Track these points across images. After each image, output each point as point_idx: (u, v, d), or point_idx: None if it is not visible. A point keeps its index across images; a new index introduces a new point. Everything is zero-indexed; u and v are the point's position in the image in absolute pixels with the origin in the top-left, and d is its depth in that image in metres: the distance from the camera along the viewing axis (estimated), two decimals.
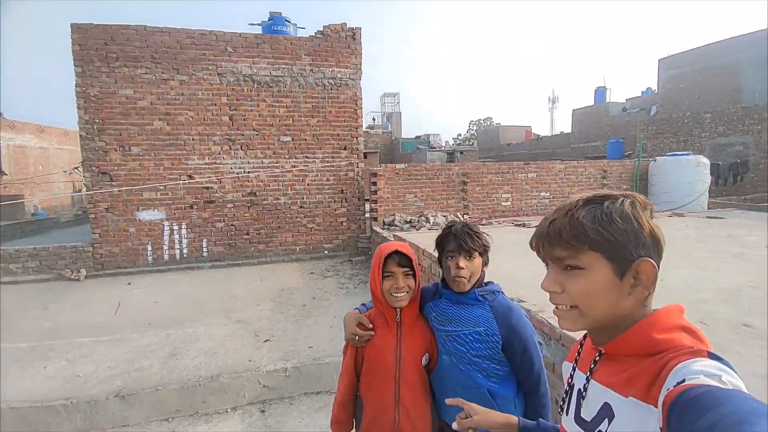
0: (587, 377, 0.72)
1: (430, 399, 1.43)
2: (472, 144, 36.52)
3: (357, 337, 1.36)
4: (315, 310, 4.95)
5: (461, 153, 21.74)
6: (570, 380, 0.80)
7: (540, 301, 2.80)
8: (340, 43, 7.86)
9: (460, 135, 57.38)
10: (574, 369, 0.80)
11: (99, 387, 3.21)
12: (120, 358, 3.73)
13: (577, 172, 9.35)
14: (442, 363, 1.40)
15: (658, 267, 0.66)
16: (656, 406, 0.55)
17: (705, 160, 8.99)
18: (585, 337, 0.80)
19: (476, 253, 1.34)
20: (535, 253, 0.77)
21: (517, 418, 0.98)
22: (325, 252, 8.04)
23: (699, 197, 8.67)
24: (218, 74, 7.30)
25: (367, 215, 8.22)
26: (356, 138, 8.25)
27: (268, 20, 8.02)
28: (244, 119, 7.51)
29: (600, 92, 25.72)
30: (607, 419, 0.65)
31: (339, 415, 1.43)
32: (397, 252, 1.33)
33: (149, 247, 7.25)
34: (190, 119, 7.26)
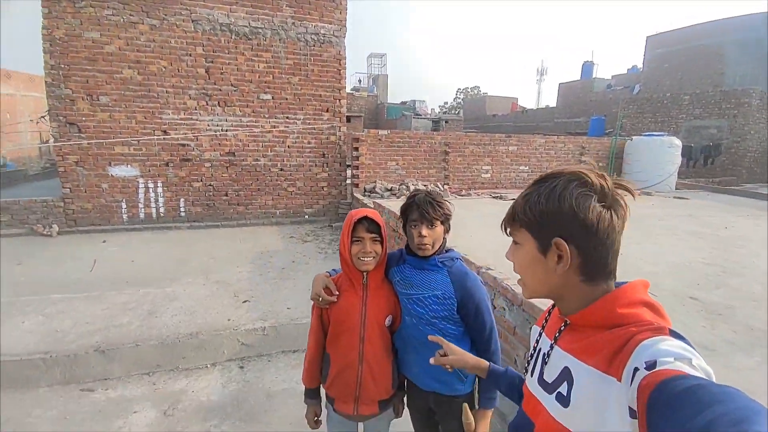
0: (551, 344, 0.76)
1: (392, 357, 1.54)
2: (458, 113, 36.16)
3: (320, 299, 1.43)
4: (294, 273, 5.04)
5: (446, 122, 21.56)
6: (536, 344, 0.85)
7: (505, 269, 2.96)
8: None
9: (446, 103, 56.56)
10: (540, 334, 0.84)
11: (78, 342, 3.24)
12: (98, 314, 3.73)
13: (556, 147, 9.50)
14: (404, 324, 1.50)
15: (587, 248, 0.68)
16: (619, 380, 0.57)
17: (677, 142, 9.28)
18: (554, 305, 0.83)
19: (438, 222, 1.41)
20: None
21: (487, 362, 1.11)
22: (306, 217, 8.04)
23: (668, 178, 9.03)
24: (192, 20, 6.85)
25: (348, 181, 8.19)
26: (339, 100, 8.04)
27: None
28: (222, 73, 7.16)
29: (587, 67, 25.64)
30: (566, 382, 0.69)
31: (308, 369, 1.55)
32: (366, 218, 1.38)
33: (123, 205, 7.05)
34: (163, 69, 6.86)
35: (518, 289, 2.58)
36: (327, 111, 7.93)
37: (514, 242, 0.78)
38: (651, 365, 0.53)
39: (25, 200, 6.75)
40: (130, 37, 6.64)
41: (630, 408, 0.54)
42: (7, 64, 15.95)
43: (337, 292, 1.44)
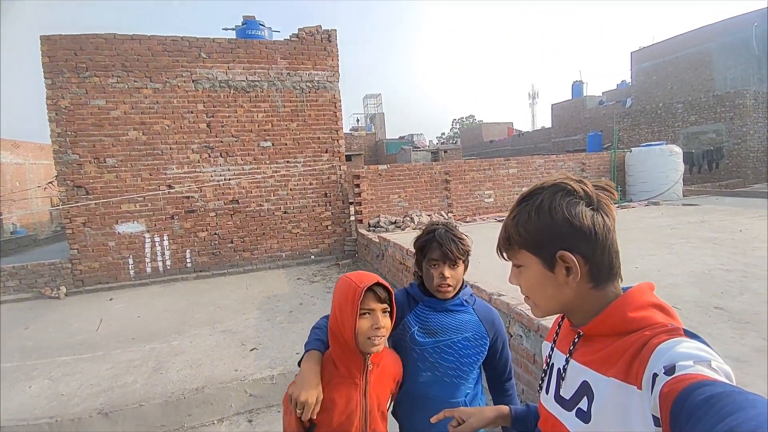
0: (567, 358, 0.73)
1: None
2: (456, 142, 36.83)
3: (301, 410, 1.04)
4: (302, 315, 4.92)
5: (445, 152, 21.90)
6: (548, 359, 0.81)
7: (518, 294, 2.84)
8: (316, 46, 7.84)
9: (443, 134, 57.84)
10: (552, 349, 0.81)
11: (83, 405, 3.14)
12: (103, 374, 3.65)
13: (556, 166, 9.52)
14: (418, 384, 1.29)
15: (592, 255, 0.66)
16: (639, 388, 0.55)
17: (677, 149, 9.25)
18: (563, 317, 0.81)
19: (460, 261, 1.29)
20: None
21: (507, 407, 0.98)
22: (312, 257, 8.00)
23: (674, 185, 8.92)
24: (193, 81, 7.20)
25: (352, 218, 8.21)
26: (337, 140, 8.24)
27: (242, 24, 7.94)
28: (222, 126, 7.43)
29: (577, 87, 26.21)
30: (586, 397, 0.66)
31: None
32: (378, 284, 1.09)
33: (130, 261, 7.10)
34: (167, 128, 7.14)
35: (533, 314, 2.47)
36: (326, 152, 8.11)
37: (516, 265, 0.76)
38: (670, 370, 0.51)
39: (33, 264, 6.83)
40: (135, 101, 6.98)
41: (654, 416, 0.52)
42: (15, 135, 16.81)
43: (314, 416, 1.05)
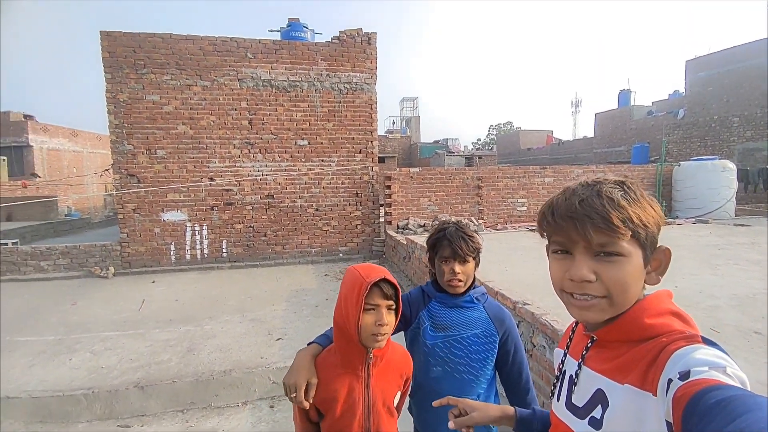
0: (579, 363, 0.71)
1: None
2: (492, 149, 36.16)
3: (294, 396, 1.05)
4: (327, 310, 5.05)
5: (480, 158, 21.58)
6: (561, 366, 0.79)
7: (545, 304, 2.81)
8: (356, 48, 8.01)
9: (479, 140, 56.94)
10: (565, 355, 0.79)
11: (120, 378, 3.39)
12: (142, 351, 3.92)
13: (596, 177, 9.15)
14: (429, 379, 1.33)
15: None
16: (654, 394, 0.54)
17: (731, 165, 8.64)
18: (577, 323, 0.79)
19: (470, 258, 1.33)
20: (545, 240, 0.72)
21: (512, 408, 0.96)
22: (340, 255, 8.15)
23: (725, 204, 8.34)
24: (238, 79, 7.57)
25: (382, 219, 8.30)
26: (371, 142, 8.36)
27: (287, 26, 8.25)
28: (263, 123, 7.74)
29: (624, 95, 25.04)
30: (600, 405, 0.64)
31: None
32: (385, 280, 1.07)
33: (172, 247, 7.55)
34: (212, 123, 7.55)
35: (558, 325, 2.42)
36: (360, 152, 8.25)
37: (608, 253, 0.64)
38: (684, 375, 0.50)
39: (85, 245, 7.42)
40: (186, 98, 7.43)
41: (667, 422, 0.51)
42: (74, 124, 18.36)
43: (308, 403, 1.06)
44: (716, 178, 8.44)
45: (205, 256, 7.68)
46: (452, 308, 1.35)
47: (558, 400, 0.76)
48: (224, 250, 7.75)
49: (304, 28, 8.28)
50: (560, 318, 2.54)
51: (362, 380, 1.11)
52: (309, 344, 1.19)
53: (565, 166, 9.69)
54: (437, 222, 7.59)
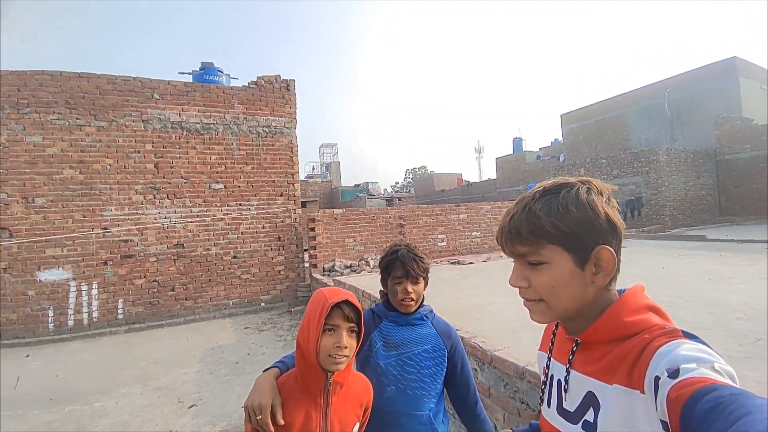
0: (567, 368, 0.70)
1: None
2: (409, 191, 38.13)
3: (258, 417, 1.01)
4: (249, 366, 4.56)
5: (399, 199, 22.54)
6: (546, 371, 0.79)
7: (473, 328, 2.90)
8: (274, 94, 8.05)
9: (397, 183, 59.84)
10: (549, 359, 0.78)
11: None
12: None
13: (502, 212, 10.12)
14: (383, 399, 1.32)
15: (618, 252, 0.67)
16: (642, 392, 0.55)
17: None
18: (557, 325, 0.79)
19: (421, 278, 1.40)
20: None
21: (510, 430, 0.94)
22: (262, 304, 7.58)
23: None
24: (143, 121, 7.00)
25: (306, 263, 8.01)
26: (293, 185, 8.23)
27: (200, 70, 8.01)
28: (171, 167, 7.17)
29: (517, 142, 28.79)
30: (592, 408, 0.63)
31: None
32: (347, 302, 1.07)
33: (50, 312, 6.28)
34: (108, 167, 6.75)
35: (487, 346, 2.50)
36: (281, 195, 8.04)
37: (533, 263, 0.67)
38: (674, 373, 0.50)
39: None
40: (75, 139, 6.59)
41: (662, 421, 0.50)
42: None
43: (282, 422, 1.02)
44: None
45: (95, 320, 6.52)
46: (404, 326, 1.40)
47: (549, 406, 0.75)
48: (120, 311, 6.67)
49: (219, 72, 8.12)
50: (486, 339, 2.63)
51: (320, 408, 1.07)
52: (266, 370, 1.12)
53: (475, 204, 10.57)
54: (364, 261, 7.56)
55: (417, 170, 59.64)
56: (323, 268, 7.51)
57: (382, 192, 29.64)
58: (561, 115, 23.34)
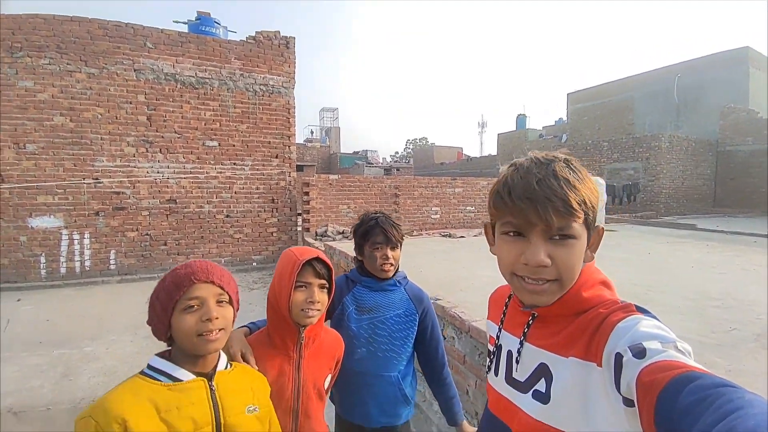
0: (521, 341, 0.70)
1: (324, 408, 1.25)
2: (409, 161, 37.81)
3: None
4: (238, 323, 4.67)
5: (398, 170, 22.40)
6: (496, 341, 0.78)
7: (454, 299, 2.98)
8: (273, 51, 7.78)
9: (397, 153, 59.18)
10: (500, 330, 0.78)
11: None
12: (10, 376, 3.29)
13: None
14: (356, 358, 1.35)
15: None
16: (599, 365, 0.55)
17: (602, 181, 10.13)
18: (510, 296, 0.78)
19: (399, 243, 1.44)
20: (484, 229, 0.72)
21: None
22: (254, 264, 7.69)
23: (598, 213, 9.86)
24: (135, 70, 6.78)
25: (299, 227, 8.06)
26: (289, 147, 8.12)
27: (195, 19, 7.68)
28: (165, 120, 7.02)
29: (521, 119, 28.30)
30: (544, 379, 0.64)
31: None
32: (317, 259, 1.10)
33: (42, 259, 6.34)
34: (99, 116, 6.60)
35: (465, 316, 2.58)
36: (276, 157, 7.95)
37: (561, 237, 0.62)
38: (639, 353, 0.49)
39: None
40: (65, 85, 6.40)
41: (625, 398, 0.50)
42: None
43: (255, 366, 1.05)
44: None
45: (87, 269, 6.60)
46: (377, 291, 1.42)
47: (496, 374, 0.76)
48: (112, 262, 6.75)
49: (216, 24, 7.79)
50: (467, 309, 2.71)
51: (293, 361, 1.11)
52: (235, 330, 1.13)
53: (472, 178, 10.54)
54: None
55: (418, 141, 58.87)
56: (315, 232, 7.57)
57: (381, 161, 29.38)
58: (567, 94, 22.84)
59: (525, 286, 0.64)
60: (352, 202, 8.35)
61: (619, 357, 0.52)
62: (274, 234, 7.87)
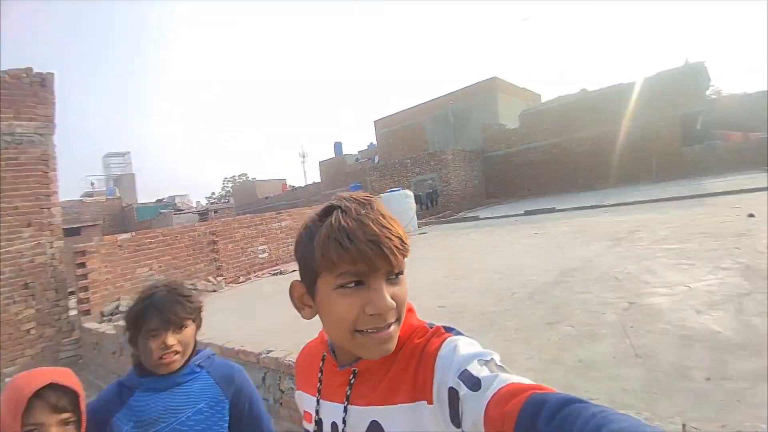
0: (345, 407, 0.62)
1: None
2: (228, 201, 35.14)
3: None
4: None
5: (215, 212, 20.39)
6: (314, 416, 0.68)
7: (289, 345, 2.72)
8: (22, 91, 5.90)
9: (214, 194, 54.61)
10: (318, 402, 0.68)
11: None
12: None
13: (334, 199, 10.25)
14: None
15: None
16: (429, 402, 0.52)
17: (410, 193, 11.86)
18: (324, 360, 0.69)
19: (189, 321, 1.09)
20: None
21: None
22: (6, 380, 5.34)
23: (411, 220, 11.33)
24: None
25: (73, 311, 6.08)
26: (47, 209, 6.15)
27: None
28: None
29: (338, 146, 30.23)
30: None
31: None
32: (51, 386, 0.84)
33: None
34: None
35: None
36: (28, 225, 5.89)
37: (399, 274, 0.58)
38: (474, 385, 0.48)
39: None
40: None
41: None
42: None
43: None
44: (402, 203, 11.21)
45: None
46: (166, 391, 1.08)
47: None
48: None
49: None
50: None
51: None
52: None
53: (298, 209, 10.36)
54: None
55: (237, 178, 55.59)
56: (101, 313, 5.85)
57: (195, 205, 26.19)
58: (374, 121, 25.67)
59: (374, 339, 0.56)
60: (154, 262, 6.88)
61: (453, 392, 0.50)
62: (32, 331, 5.67)
